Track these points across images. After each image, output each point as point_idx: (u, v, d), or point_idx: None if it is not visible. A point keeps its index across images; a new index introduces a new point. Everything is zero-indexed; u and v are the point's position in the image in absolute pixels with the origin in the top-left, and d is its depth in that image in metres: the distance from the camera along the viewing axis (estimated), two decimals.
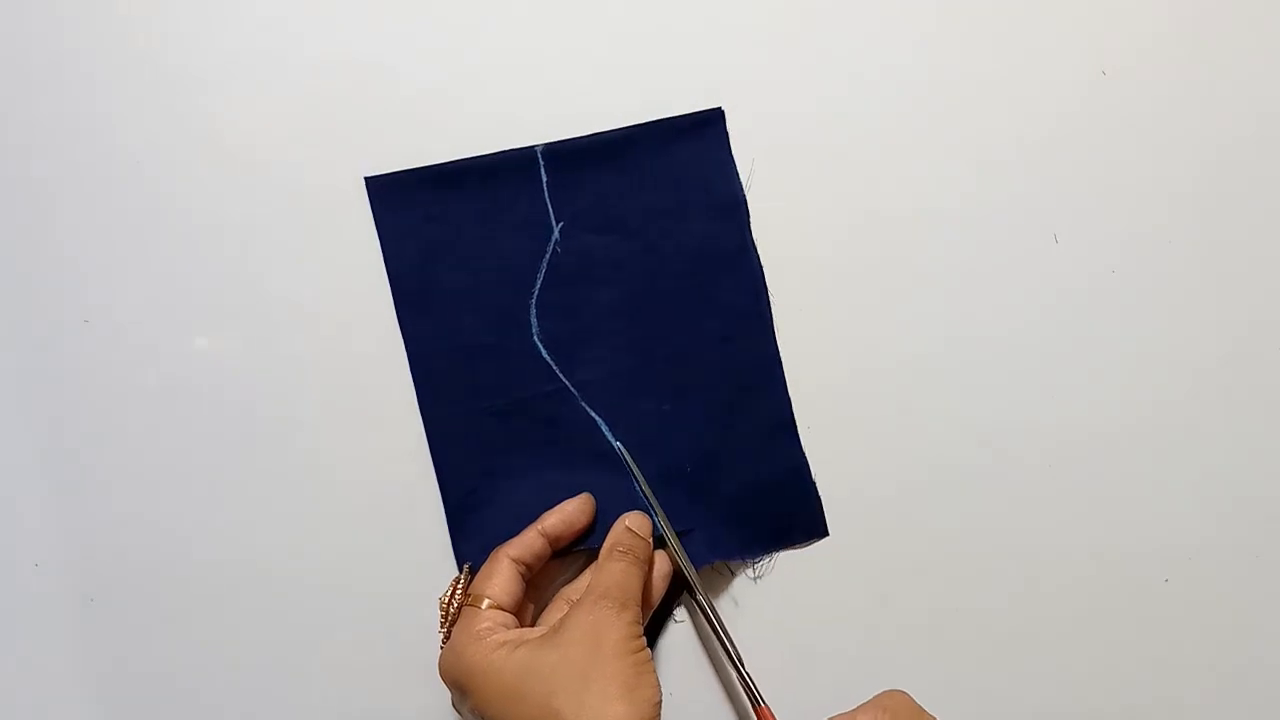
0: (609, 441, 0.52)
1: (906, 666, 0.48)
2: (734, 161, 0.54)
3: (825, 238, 0.54)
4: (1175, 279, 0.56)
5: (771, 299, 0.54)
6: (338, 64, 0.52)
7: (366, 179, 0.52)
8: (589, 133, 0.53)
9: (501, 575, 0.48)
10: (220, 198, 0.52)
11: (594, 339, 0.53)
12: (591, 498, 0.51)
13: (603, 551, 0.48)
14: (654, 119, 0.53)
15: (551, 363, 0.52)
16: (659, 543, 0.51)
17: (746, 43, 0.54)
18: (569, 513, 0.50)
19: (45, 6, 0.52)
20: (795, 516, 0.54)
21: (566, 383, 0.52)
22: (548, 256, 0.52)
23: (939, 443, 0.55)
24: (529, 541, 0.49)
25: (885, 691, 0.48)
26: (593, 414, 0.52)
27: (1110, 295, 0.55)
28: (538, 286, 0.52)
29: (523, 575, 0.48)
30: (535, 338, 0.52)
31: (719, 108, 0.54)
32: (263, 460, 0.52)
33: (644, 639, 0.45)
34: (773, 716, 0.48)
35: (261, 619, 0.52)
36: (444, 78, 0.53)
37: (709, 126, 0.54)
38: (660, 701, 0.44)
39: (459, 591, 0.49)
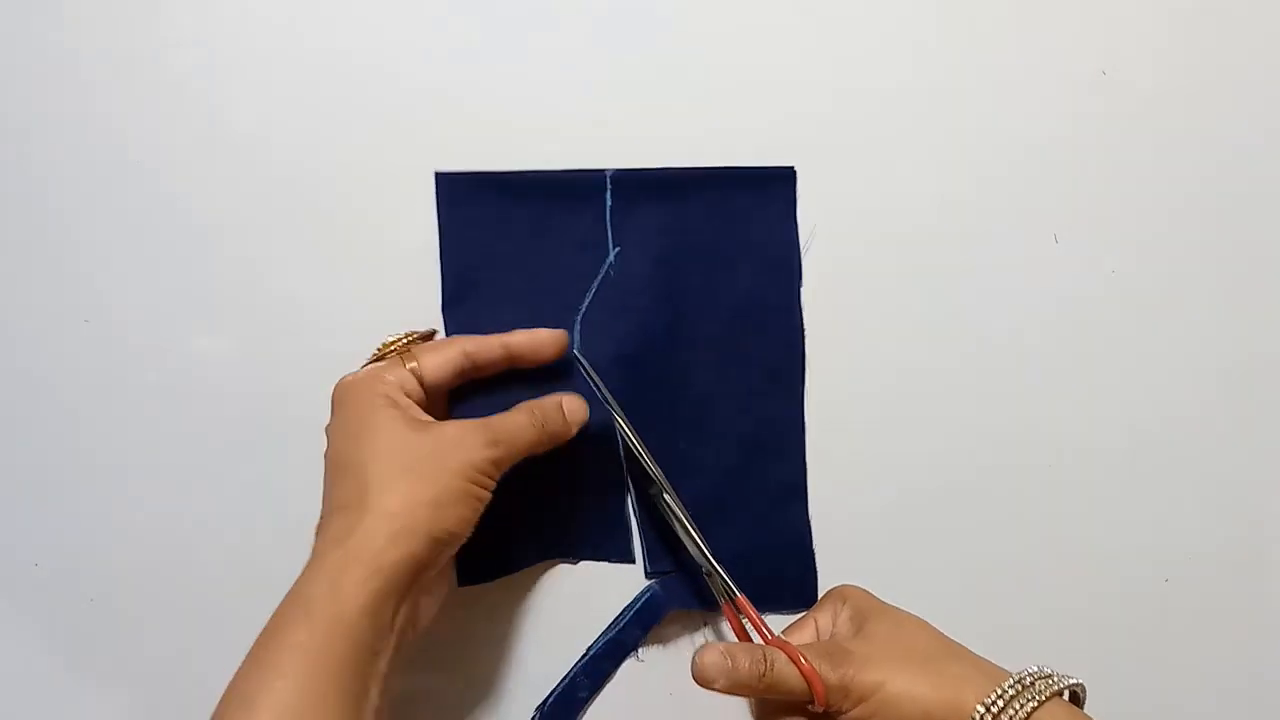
0: (637, 453, 0.50)
1: None
2: (796, 222, 0.54)
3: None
4: (1176, 279, 0.56)
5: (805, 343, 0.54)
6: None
7: (437, 173, 0.52)
8: (659, 166, 0.53)
9: (444, 356, 0.47)
10: (222, 198, 0.52)
11: (629, 365, 0.52)
12: (565, 336, 0.49)
13: (519, 405, 0.47)
14: (725, 165, 0.53)
15: (591, 375, 0.50)
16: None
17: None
18: (539, 338, 0.48)
19: (46, 5, 0.52)
20: (788, 583, 0.54)
21: (604, 394, 0.50)
22: (600, 277, 0.52)
23: (938, 442, 0.55)
24: (489, 344, 0.48)
25: (838, 586, 0.50)
26: (627, 430, 0.50)
27: (1111, 296, 0.55)
28: (586, 304, 0.52)
29: (464, 369, 0.47)
30: (576, 350, 0.51)
31: (791, 167, 0.53)
32: (263, 460, 0.52)
33: (492, 484, 0.45)
34: (750, 606, 0.48)
35: (263, 619, 0.52)
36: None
37: (778, 184, 0.53)
38: (461, 537, 0.43)
39: (401, 343, 0.48)
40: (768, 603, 0.53)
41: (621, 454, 0.52)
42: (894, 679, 0.42)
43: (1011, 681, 0.42)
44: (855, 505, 0.54)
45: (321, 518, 0.44)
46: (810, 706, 0.43)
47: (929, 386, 0.55)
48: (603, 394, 0.50)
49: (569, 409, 0.48)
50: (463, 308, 0.52)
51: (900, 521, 0.55)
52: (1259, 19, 0.56)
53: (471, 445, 0.44)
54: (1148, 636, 0.55)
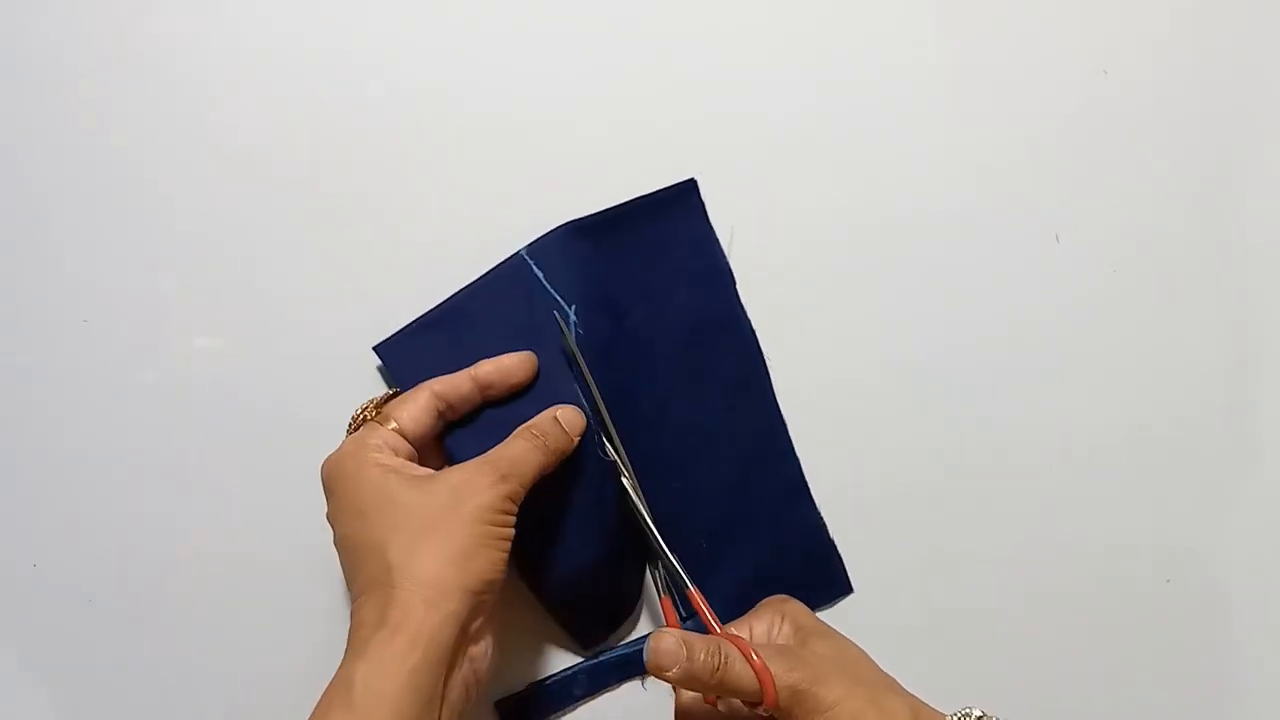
0: (604, 435, 0.50)
1: (906, 665, 0.48)
2: (713, 231, 0.53)
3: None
4: (1176, 278, 0.56)
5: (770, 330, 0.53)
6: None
7: (375, 347, 0.51)
8: (567, 220, 0.52)
9: (416, 404, 0.46)
10: (221, 197, 0.52)
11: (614, 414, 0.51)
12: (533, 357, 0.49)
13: (516, 430, 0.46)
14: (628, 199, 0.52)
15: (620, 458, 0.49)
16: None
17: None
18: (505, 364, 0.48)
19: (45, 6, 0.52)
20: (818, 576, 0.54)
21: (620, 461, 0.50)
22: (575, 339, 0.50)
23: (938, 443, 0.55)
24: (457, 381, 0.47)
25: (778, 597, 0.48)
26: (638, 500, 0.49)
27: (1111, 295, 0.55)
28: (576, 372, 0.50)
29: (440, 412, 0.47)
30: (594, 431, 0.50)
31: (691, 179, 0.53)
32: (262, 460, 0.52)
33: (511, 519, 0.43)
34: (702, 600, 0.47)
35: (262, 619, 0.52)
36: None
37: (684, 199, 0.53)
38: (496, 582, 0.42)
39: (370, 408, 0.47)
40: (806, 604, 0.53)
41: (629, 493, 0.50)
42: (847, 702, 0.41)
43: None
44: (856, 506, 0.54)
45: (352, 603, 0.42)
46: (759, 709, 0.42)
47: (929, 387, 0.55)
48: (572, 348, 0.49)
49: (566, 421, 0.47)
50: (464, 442, 0.49)
51: (898, 522, 0.55)
52: (1259, 19, 0.56)
53: (481, 486, 0.43)
54: (1148, 636, 0.55)
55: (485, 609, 0.43)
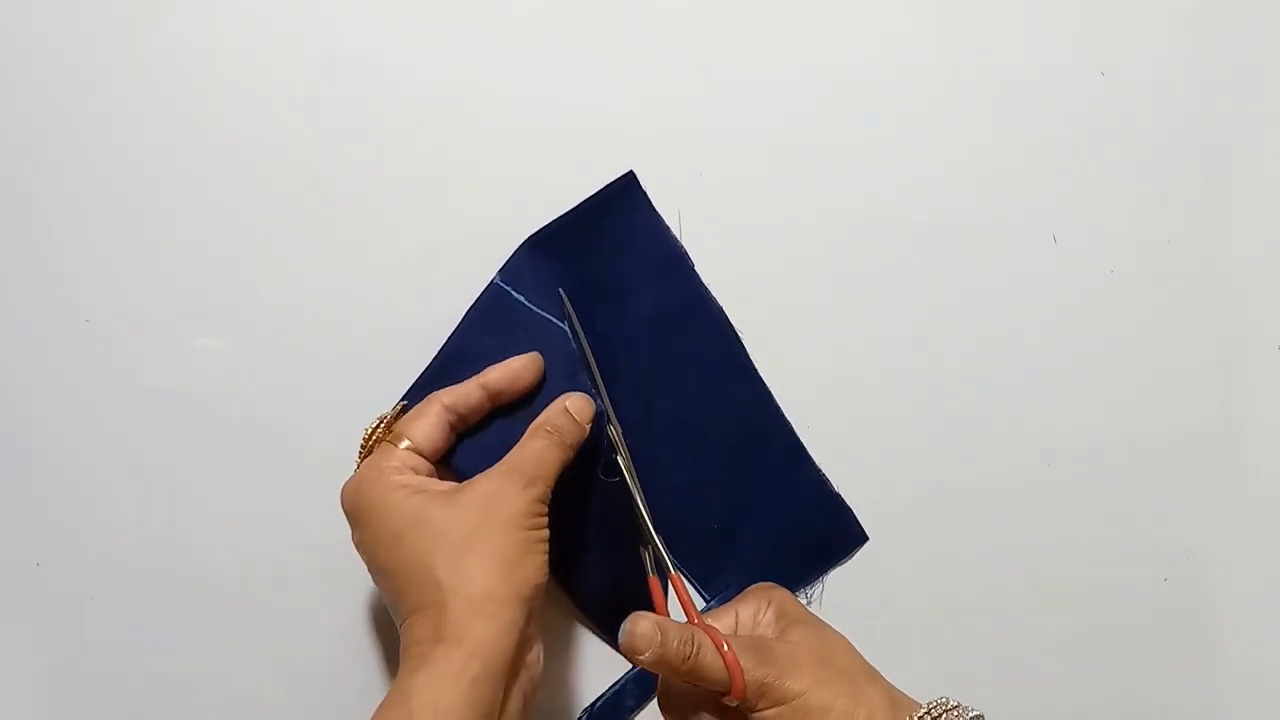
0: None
1: (905, 665, 0.48)
2: (661, 218, 0.53)
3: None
4: (1174, 279, 0.56)
5: (747, 331, 0.54)
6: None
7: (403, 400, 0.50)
8: (522, 238, 0.52)
9: (428, 419, 0.46)
10: (221, 198, 0.52)
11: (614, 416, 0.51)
12: (540, 357, 0.49)
13: (529, 428, 0.46)
14: (572, 205, 0.52)
15: (619, 443, 0.50)
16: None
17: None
18: (513, 368, 0.48)
19: (47, 6, 0.52)
20: (832, 531, 0.54)
21: (619, 445, 0.50)
22: (580, 346, 0.51)
23: (937, 443, 0.55)
24: (467, 391, 0.47)
25: (765, 584, 0.49)
26: (632, 484, 0.50)
27: (1109, 295, 0.55)
28: (596, 371, 0.50)
29: (452, 425, 0.46)
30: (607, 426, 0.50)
31: (630, 171, 0.53)
32: (263, 460, 0.52)
33: (545, 519, 0.44)
34: (683, 586, 0.48)
35: (263, 620, 0.52)
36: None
37: (626, 192, 0.53)
38: (542, 585, 0.43)
39: (382, 427, 0.47)
40: (826, 560, 0.54)
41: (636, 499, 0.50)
42: (815, 691, 0.42)
43: (921, 712, 0.42)
44: (852, 506, 0.54)
45: (400, 621, 0.42)
46: (725, 699, 0.43)
47: (927, 386, 0.55)
48: (583, 345, 0.50)
49: (576, 410, 0.47)
50: (469, 444, 0.49)
51: (896, 522, 0.55)
52: (1259, 19, 0.56)
53: (512, 494, 0.43)
54: (1148, 636, 0.55)
55: (535, 613, 0.43)
